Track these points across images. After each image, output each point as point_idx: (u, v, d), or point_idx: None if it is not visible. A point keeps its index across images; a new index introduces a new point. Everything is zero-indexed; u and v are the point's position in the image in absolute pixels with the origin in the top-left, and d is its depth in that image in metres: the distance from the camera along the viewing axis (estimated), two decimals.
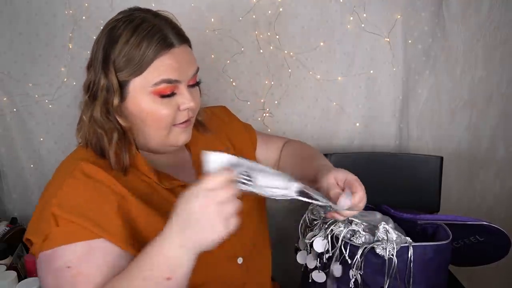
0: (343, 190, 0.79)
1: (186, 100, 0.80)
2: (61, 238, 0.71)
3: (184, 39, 0.81)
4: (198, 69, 0.84)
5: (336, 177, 0.81)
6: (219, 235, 0.64)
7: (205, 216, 0.63)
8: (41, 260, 0.73)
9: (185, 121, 0.83)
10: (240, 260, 0.88)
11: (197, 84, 0.85)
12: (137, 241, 0.74)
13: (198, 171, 0.90)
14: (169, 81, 0.77)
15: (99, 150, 0.81)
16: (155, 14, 0.81)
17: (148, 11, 0.82)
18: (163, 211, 0.77)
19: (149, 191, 0.81)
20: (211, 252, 0.76)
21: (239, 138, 1.05)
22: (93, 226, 0.72)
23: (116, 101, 0.78)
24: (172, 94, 0.79)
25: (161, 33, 0.77)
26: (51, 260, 0.72)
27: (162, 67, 0.77)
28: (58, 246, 0.71)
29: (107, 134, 0.79)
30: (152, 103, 0.78)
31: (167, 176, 0.85)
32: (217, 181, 0.63)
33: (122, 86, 0.79)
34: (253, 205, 0.95)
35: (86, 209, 0.73)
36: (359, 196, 0.79)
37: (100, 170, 0.77)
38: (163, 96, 0.78)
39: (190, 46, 0.84)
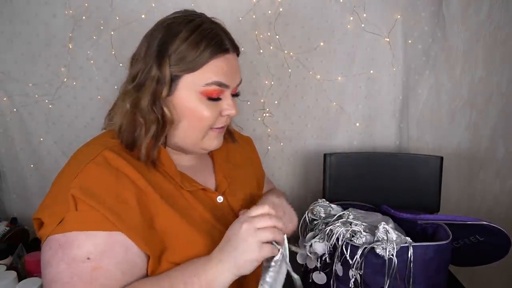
0: None
1: (229, 107, 0.83)
2: (79, 224, 0.68)
3: (236, 48, 0.85)
4: (241, 80, 0.87)
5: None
6: (252, 256, 0.71)
7: (243, 237, 0.72)
8: (51, 244, 0.69)
9: (222, 128, 0.85)
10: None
11: (237, 95, 0.89)
12: (152, 240, 0.73)
13: (218, 176, 0.92)
14: (220, 84, 0.80)
15: (130, 140, 0.79)
16: (211, 20, 0.84)
17: (202, 15, 0.85)
18: (184, 213, 0.78)
19: (171, 191, 0.80)
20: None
21: (257, 167, 1.08)
22: (114, 217, 0.69)
23: (165, 92, 0.78)
24: (218, 99, 0.81)
25: (219, 37, 0.80)
26: (66, 246, 0.68)
27: (216, 69, 0.79)
28: (75, 231, 0.68)
29: (146, 124, 0.78)
30: (199, 102, 0.79)
31: (188, 178, 0.85)
32: (259, 211, 0.75)
33: (173, 80, 0.79)
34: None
35: (108, 198, 0.70)
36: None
37: (123, 161, 0.75)
38: (210, 99, 0.80)
39: (238, 56, 0.88)
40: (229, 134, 0.98)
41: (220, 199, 0.88)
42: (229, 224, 0.81)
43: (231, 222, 0.82)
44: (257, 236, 0.72)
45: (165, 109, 0.79)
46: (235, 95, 0.87)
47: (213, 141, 0.85)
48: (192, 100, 0.79)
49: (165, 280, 0.71)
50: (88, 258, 0.67)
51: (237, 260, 0.71)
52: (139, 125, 0.78)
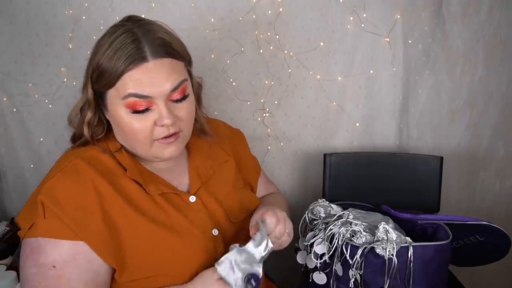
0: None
1: (161, 117, 0.77)
2: (46, 231, 0.73)
3: (164, 52, 0.77)
4: (182, 82, 0.79)
5: (258, 212, 0.87)
6: None
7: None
8: (25, 246, 0.75)
9: (168, 136, 0.80)
10: (215, 232, 0.87)
11: (185, 97, 0.81)
12: (116, 250, 0.76)
13: (192, 177, 0.90)
14: (138, 96, 0.75)
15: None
16: (142, 24, 0.79)
17: (139, 20, 0.80)
18: (152, 216, 0.80)
19: (140, 195, 0.81)
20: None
21: (245, 160, 1.06)
22: (77, 227, 0.73)
23: (89, 115, 0.81)
24: (146, 110, 0.77)
25: (137, 45, 0.75)
26: (36, 252, 0.73)
27: (132, 81, 0.75)
28: (43, 237, 0.73)
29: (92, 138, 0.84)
30: (126, 116, 0.78)
31: (156, 182, 0.84)
32: None
33: (102, 97, 0.80)
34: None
35: (71, 208, 0.74)
36: (271, 221, 0.84)
37: (90, 169, 0.78)
38: (136, 112, 0.77)
39: (178, 59, 0.80)
40: (202, 133, 0.94)
41: (192, 198, 0.87)
42: (203, 224, 0.85)
43: (204, 221, 0.85)
44: None
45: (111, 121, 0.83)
46: (181, 99, 0.80)
47: (165, 151, 0.81)
48: (120, 114, 0.78)
49: None
50: (54, 266, 0.72)
51: None
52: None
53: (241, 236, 0.90)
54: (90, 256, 0.74)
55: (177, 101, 0.80)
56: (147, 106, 0.77)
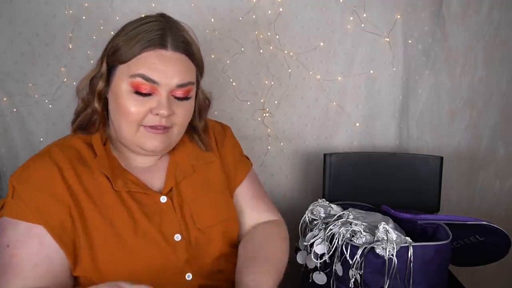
0: None
1: (159, 105, 0.79)
2: (10, 211, 0.77)
3: (184, 49, 0.81)
4: (189, 83, 0.82)
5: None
6: None
7: None
8: None
9: (156, 127, 0.80)
10: (177, 237, 0.83)
11: (186, 98, 0.83)
12: (74, 236, 0.77)
13: (168, 175, 0.88)
14: (145, 78, 0.78)
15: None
16: (172, 21, 0.83)
17: (169, 17, 0.85)
18: (110, 213, 0.80)
19: (105, 190, 0.81)
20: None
21: (228, 162, 0.98)
22: (37, 210, 0.75)
23: (101, 84, 0.83)
24: (147, 95, 0.79)
25: (162, 33, 0.79)
26: (0, 231, 0.77)
27: (145, 62, 0.78)
28: (7, 217, 0.76)
29: (93, 113, 0.86)
30: (126, 94, 0.79)
31: (126, 177, 0.83)
32: None
33: (110, 71, 0.82)
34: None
35: (36, 191, 0.77)
36: None
37: (63, 157, 0.80)
38: (138, 93, 0.78)
39: (193, 62, 0.83)
40: (201, 140, 0.93)
41: (163, 199, 0.85)
42: (167, 228, 0.83)
43: (170, 225, 0.84)
44: None
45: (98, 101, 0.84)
46: (183, 98, 0.82)
47: (148, 141, 0.81)
48: (122, 91, 0.80)
49: None
50: (8, 246, 0.75)
51: None
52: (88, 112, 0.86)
53: (205, 244, 0.86)
54: (45, 240, 0.75)
55: (178, 98, 0.82)
56: (150, 91, 0.79)
